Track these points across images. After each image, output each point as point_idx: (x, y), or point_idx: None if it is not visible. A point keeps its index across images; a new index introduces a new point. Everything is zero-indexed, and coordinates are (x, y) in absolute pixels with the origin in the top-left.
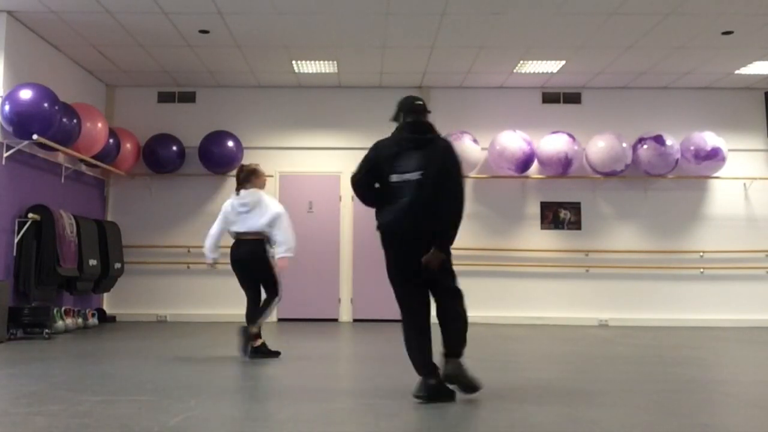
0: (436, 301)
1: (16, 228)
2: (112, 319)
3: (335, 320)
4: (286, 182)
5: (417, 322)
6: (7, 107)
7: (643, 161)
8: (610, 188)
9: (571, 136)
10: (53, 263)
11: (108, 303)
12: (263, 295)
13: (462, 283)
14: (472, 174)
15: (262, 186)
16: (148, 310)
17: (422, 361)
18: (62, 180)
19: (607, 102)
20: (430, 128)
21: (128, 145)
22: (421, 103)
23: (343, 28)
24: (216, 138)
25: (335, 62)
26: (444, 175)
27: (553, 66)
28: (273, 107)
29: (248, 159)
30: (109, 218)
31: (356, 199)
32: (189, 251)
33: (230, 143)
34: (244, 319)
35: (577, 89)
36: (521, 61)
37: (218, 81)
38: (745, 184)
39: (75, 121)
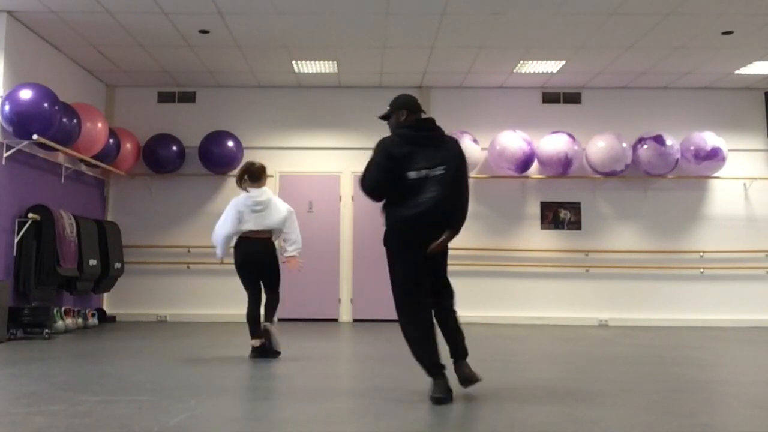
0: (435, 301)
1: (16, 228)
2: (112, 319)
3: (335, 320)
4: (286, 182)
5: (427, 320)
6: (7, 107)
7: (643, 161)
8: (610, 188)
9: (571, 136)
10: (53, 263)
11: (108, 303)
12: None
13: (462, 283)
14: (472, 174)
15: (265, 184)
16: (148, 310)
17: (435, 360)
18: (62, 180)
19: (607, 102)
20: (436, 125)
21: (128, 145)
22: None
23: (343, 28)
24: (216, 138)
25: (335, 62)
26: (462, 170)
27: (553, 66)
28: (273, 107)
29: (248, 159)
30: (109, 218)
31: (356, 199)
32: (189, 251)
33: (230, 143)
34: (244, 319)
35: (577, 89)
36: (521, 61)
37: (218, 81)
38: (745, 184)
39: (75, 121)
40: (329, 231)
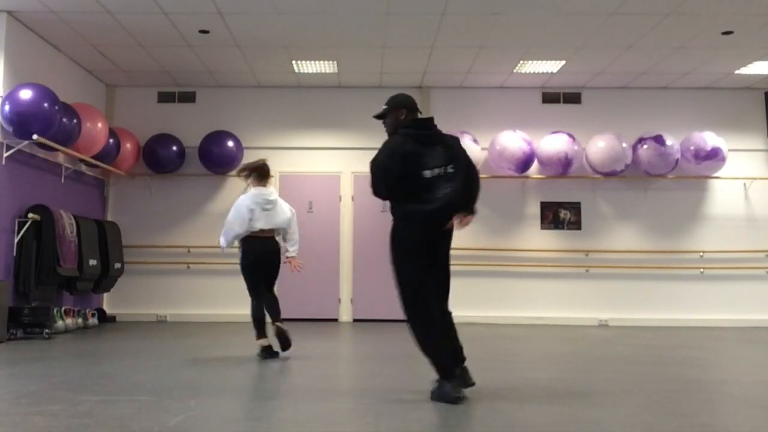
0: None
1: (16, 228)
2: (112, 319)
3: (335, 320)
4: (286, 182)
5: (437, 319)
6: (7, 107)
7: (643, 161)
8: (610, 188)
9: (571, 136)
10: (53, 263)
11: (108, 303)
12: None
13: (462, 283)
14: None
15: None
16: (148, 310)
17: (450, 360)
18: (62, 180)
19: (607, 102)
20: (434, 124)
21: (128, 145)
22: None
23: (343, 28)
24: (216, 138)
25: (335, 62)
26: (471, 164)
27: (553, 66)
28: (273, 107)
29: (248, 159)
30: (109, 218)
31: (356, 199)
32: (189, 251)
33: (230, 143)
34: (249, 319)
35: (577, 89)
36: (521, 61)
37: (218, 81)
38: (745, 184)
39: (75, 121)
40: (329, 231)
